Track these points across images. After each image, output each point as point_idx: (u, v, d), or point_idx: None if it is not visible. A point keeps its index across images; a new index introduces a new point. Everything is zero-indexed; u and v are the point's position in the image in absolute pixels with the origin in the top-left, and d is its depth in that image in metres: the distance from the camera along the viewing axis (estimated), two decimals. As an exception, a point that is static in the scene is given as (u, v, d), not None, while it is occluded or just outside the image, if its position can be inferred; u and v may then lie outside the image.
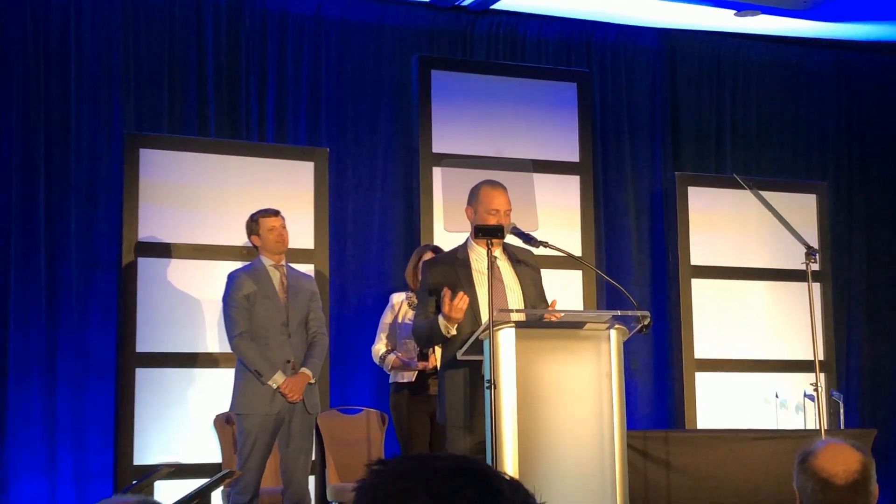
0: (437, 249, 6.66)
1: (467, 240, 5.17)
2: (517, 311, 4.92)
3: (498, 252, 5.06)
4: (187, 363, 7.11)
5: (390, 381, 6.77)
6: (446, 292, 4.84)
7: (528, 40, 8.63)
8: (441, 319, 4.88)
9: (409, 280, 6.82)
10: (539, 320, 4.93)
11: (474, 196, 5.14)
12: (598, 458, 4.71)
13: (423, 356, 6.62)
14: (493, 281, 4.89)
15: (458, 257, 5.11)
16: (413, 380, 6.63)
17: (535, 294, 5.13)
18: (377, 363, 6.79)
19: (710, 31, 9.03)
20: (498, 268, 5.04)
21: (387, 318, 6.83)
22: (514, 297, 5.05)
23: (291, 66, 7.97)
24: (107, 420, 7.09)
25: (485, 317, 4.85)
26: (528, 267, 5.17)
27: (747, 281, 8.58)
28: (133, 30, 7.56)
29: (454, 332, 4.90)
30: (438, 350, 6.46)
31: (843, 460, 2.78)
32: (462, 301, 4.80)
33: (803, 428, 8.14)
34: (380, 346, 6.76)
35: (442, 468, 1.40)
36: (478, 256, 5.05)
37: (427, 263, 5.34)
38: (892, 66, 9.64)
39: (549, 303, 5.08)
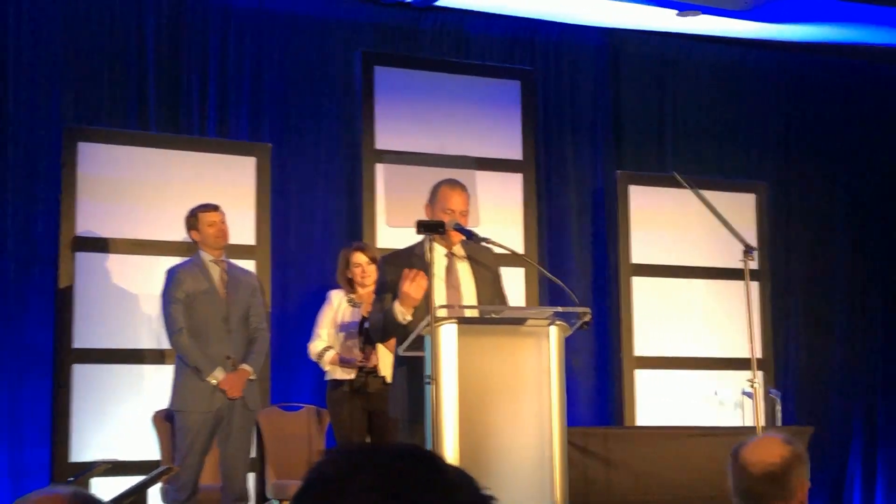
0: (364, 247, 6.71)
1: (427, 236, 5.15)
2: (462, 307, 4.92)
3: (457, 249, 5.07)
4: (126, 359, 7.04)
5: (327, 378, 6.73)
6: (405, 274, 4.81)
7: (473, 38, 8.64)
8: (397, 305, 4.84)
9: (340, 280, 6.80)
10: (482, 316, 4.93)
11: (434, 195, 5.15)
12: (538, 453, 4.73)
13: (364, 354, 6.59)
14: (447, 279, 4.90)
15: (416, 253, 5.09)
16: (353, 377, 6.59)
17: (490, 294, 5.11)
18: (314, 360, 6.75)
19: (654, 32, 9.08)
20: (455, 266, 5.04)
21: (325, 314, 6.79)
22: (469, 296, 5.04)
23: (233, 60, 7.91)
24: (43, 416, 7.00)
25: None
26: (484, 267, 5.15)
27: (687, 279, 8.65)
28: (72, 22, 7.47)
29: (409, 317, 4.85)
30: (381, 348, 6.43)
31: (763, 452, 2.87)
32: (421, 278, 4.78)
33: (741, 425, 8.22)
34: (317, 343, 6.72)
35: (391, 451, 1.45)
36: (436, 253, 5.05)
37: (384, 259, 5.34)
38: (833, 68, 9.75)
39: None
